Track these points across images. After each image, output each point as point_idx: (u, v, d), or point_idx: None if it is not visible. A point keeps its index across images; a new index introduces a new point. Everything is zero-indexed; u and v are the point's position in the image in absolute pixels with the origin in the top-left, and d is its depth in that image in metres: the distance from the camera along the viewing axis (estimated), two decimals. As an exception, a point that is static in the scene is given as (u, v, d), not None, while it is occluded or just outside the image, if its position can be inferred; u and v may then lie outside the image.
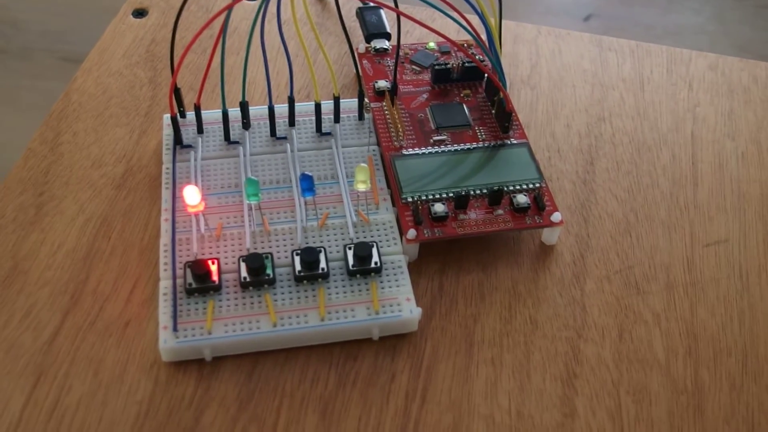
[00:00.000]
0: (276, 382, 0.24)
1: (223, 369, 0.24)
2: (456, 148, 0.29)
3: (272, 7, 0.26)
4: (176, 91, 0.29)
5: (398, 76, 0.32)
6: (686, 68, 0.36)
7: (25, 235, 0.28)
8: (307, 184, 0.25)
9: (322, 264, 0.25)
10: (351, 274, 0.25)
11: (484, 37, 0.29)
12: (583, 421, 0.24)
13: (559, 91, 0.35)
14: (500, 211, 0.27)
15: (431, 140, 0.30)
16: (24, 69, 0.82)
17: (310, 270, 0.25)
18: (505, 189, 0.28)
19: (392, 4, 0.28)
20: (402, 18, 0.27)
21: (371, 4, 0.34)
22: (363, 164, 0.26)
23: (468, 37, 0.31)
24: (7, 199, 0.29)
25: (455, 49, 0.34)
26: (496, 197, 0.27)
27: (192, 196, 0.25)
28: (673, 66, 0.36)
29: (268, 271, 0.25)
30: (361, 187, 0.26)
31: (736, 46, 0.85)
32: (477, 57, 0.33)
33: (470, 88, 0.32)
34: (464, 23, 0.27)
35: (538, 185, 0.28)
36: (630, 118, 0.34)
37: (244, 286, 0.25)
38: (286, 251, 0.26)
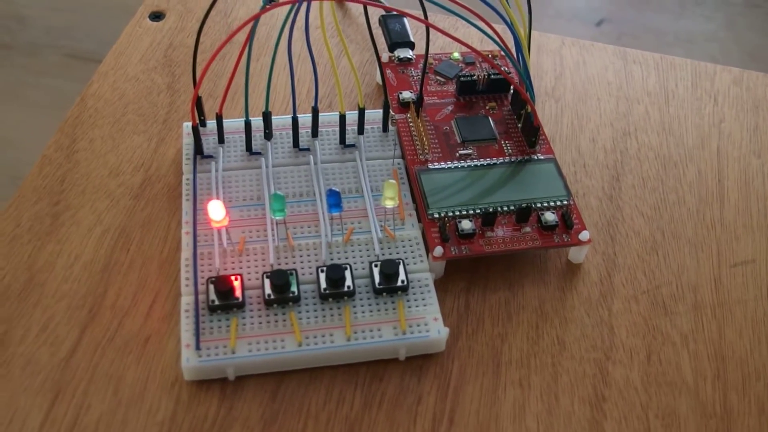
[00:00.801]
0: (301, 402, 0.23)
1: (247, 388, 0.24)
2: (482, 162, 0.29)
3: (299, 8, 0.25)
4: (197, 100, 0.29)
5: (423, 87, 0.31)
6: (711, 82, 0.36)
7: (41, 245, 0.27)
8: (335, 200, 0.25)
9: (348, 282, 0.24)
10: (377, 292, 0.25)
11: (510, 46, 0.28)
12: (614, 447, 0.23)
13: (583, 104, 0.34)
14: (528, 229, 0.27)
15: (457, 154, 0.29)
16: (29, 65, 0.81)
17: (335, 288, 0.24)
18: (533, 206, 0.27)
19: (418, 13, 0.27)
20: (426, 27, 0.27)
21: (394, 12, 0.34)
22: (392, 180, 0.25)
23: (492, 47, 0.30)
24: (23, 207, 0.28)
25: (480, 60, 0.33)
26: (524, 214, 0.27)
27: (217, 211, 0.24)
28: (697, 80, 0.36)
29: (293, 288, 0.24)
30: (389, 204, 0.25)
31: (746, 53, 0.85)
32: (503, 68, 0.32)
33: (496, 101, 0.31)
34: (492, 33, 0.27)
35: (565, 202, 0.28)
36: (656, 132, 0.33)
37: (268, 303, 0.24)
38: (310, 268, 0.25)
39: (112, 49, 0.35)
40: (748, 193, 0.31)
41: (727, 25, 0.88)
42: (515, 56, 0.28)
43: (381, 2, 0.35)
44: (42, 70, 0.80)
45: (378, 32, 0.35)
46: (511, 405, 0.24)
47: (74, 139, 0.31)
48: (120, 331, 0.25)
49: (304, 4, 0.24)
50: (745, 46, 0.86)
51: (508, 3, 0.27)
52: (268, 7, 0.24)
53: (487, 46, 0.30)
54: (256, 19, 0.25)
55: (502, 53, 0.34)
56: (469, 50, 0.30)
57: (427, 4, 0.26)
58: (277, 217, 0.25)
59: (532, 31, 0.34)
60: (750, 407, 0.24)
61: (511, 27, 0.27)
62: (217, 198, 0.27)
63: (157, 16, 0.37)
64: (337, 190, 0.25)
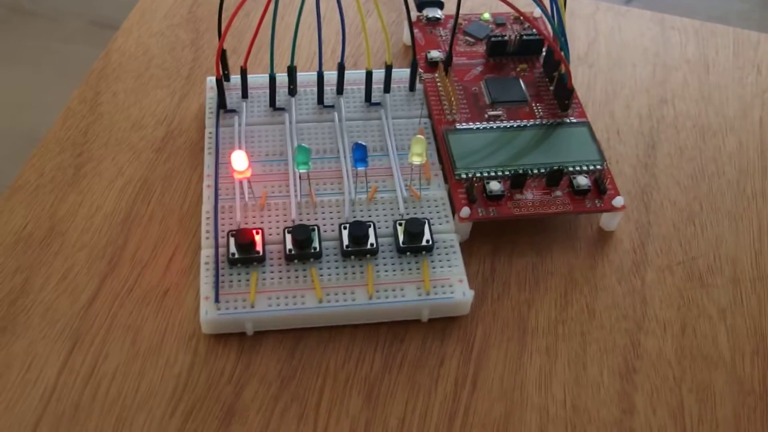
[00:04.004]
0: (319, 360, 0.23)
1: (265, 344, 0.23)
2: (512, 124, 0.28)
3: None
4: (222, 54, 0.28)
5: (453, 48, 0.30)
6: (754, 51, 0.34)
7: (63, 196, 0.27)
8: (361, 154, 0.24)
9: (371, 239, 0.24)
10: (401, 251, 0.24)
11: (546, 4, 0.27)
12: (643, 419, 0.22)
13: (619, 70, 0.33)
14: (558, 193, 0.26)
15: (486, 115, 0.28)
16: (53, 31, 0.81)
17: (358, 245, 0.24)
18: (565, 170, 0.26)
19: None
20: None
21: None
22: (420, 136, 0.24)
23: (525, 10, 0.29)
24: (46, 158, 0.28)
25: (510, 21, 0.32)
26: (555, 177, 0.26)
27: (240, 161, 0.24)
28: (740, 49, 0.34)
29: (315, 244, 0.24)
30: (417, 160, 0.24)
31: (784, 35, 0.82)
32: (533, 31, 0.31)
33: (527, 63, 0.30)
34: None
35: (599, 167, 0.26)
36: (694, 101, 0.32)
37: (289, 258, 0.24)
38: (333, 224, 0.25)
39: (137, 5, 0.34)
40: (791, 166, 0.30)
41: (762, 4, 0.85)
42: (550, 12, 0.27)
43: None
44: (65, 37, 0.80)
45: (407, -9, 0.34)
46: (537, 372, 0.23)
47: (98, 91, 0.31)
48: (139, 283, 0.24)
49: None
50: (784, 27, 0.83)
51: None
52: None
53: (521, 6, 0.29)
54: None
55: (535, 16, 0.32)
56: (500, 11, 0.29)
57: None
58: (301, 170, 0.24)
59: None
60: (788, 385, 0.23)
61: (548, -18, 0.26)
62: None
63: (182, -28, 0.36)
64: (364, 144, 0.24)
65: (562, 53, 0.27)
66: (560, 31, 0.27)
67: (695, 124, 0.31)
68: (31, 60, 0.78)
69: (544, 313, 0.24)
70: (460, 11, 0.32)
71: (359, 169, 0.25)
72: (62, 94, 0.31)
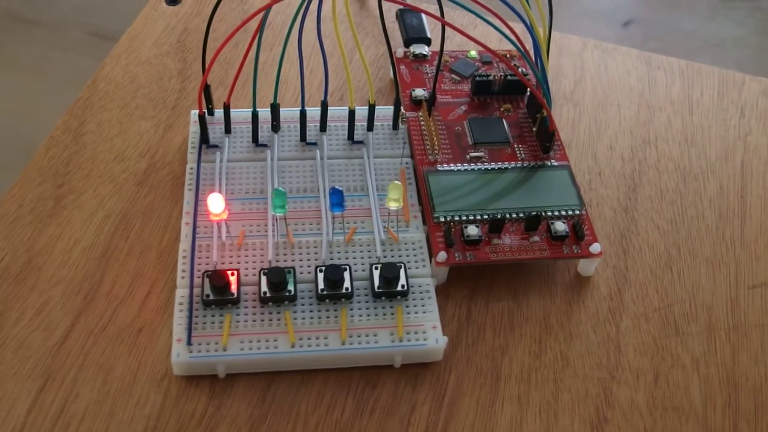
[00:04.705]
0: (291, 404, 0.23)
1: (237, 387, 0.23)
2: (493, 166, 0.28)
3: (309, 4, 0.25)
4: (205, 88, 0.28)
5: (437, 86, 0.30)
6: (738, 93, 0.34)
7: (42, 228, 0.27)
8: (337, 199, 0.24)
9: (347, 283, 0.24)
10: (376, 296, 0.24)
11: (529, 47, 0.27)
12: (612, 472, 0.22)
13: (603, 110, 0.33)
14: (536, 238, 0.26)
15: (468, 156, 0.28)
16: (54, 41, 0.82)
17: (333, 289, 0.24)
18: (543, 214, 0.26)
19: (435, 11, 0.26)
20: (441, 25, 0.26)
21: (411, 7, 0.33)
22: (397, 182, 0.24)
23: (511, 47, 0.29)
24: (27, 188, 0.28)
25: (497, 60, 0.32)
26: (533, 223, 0.26)
27: (216, 204, 0.24)
28: (724, 89, 0.34)
29: (290, 287, 0.24)
30: (393, 205, 0.24)
31: (780, 61, 0.82)
32: (520, 70, 0.31)
33: (511, 103, 0.30)
34: (508, 33, 0.26)
35: (578, 212, 0.27)
36: (677, 143, 0.32)
37: (263, 301, 0.24)
38: (309, 266, 0.25)
39: (127, 32, 0.35)
40: (771, 212, 0.30)
41: (759, 30, 0.86)
42: (533, 58, 0.27)
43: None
44: (66, 46, 0.81)
45: (395, 26, 0.34)
46: (508, 421, 0.23)
47: (83, 121, 0.31)
48: (114, 320, 0.24)
49: (316, -5, 0.23)
50: (780, 54, 0.83)
51: (528, 3, 0.26)
52: (277, -4, 0.23)
53: (506, 45, 0.29)
54: (267, 9, 0.24)
55: (521, 54, 0.33)
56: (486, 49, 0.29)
57: (444, 1, 0.25)
58: (278, 213, 0.24)
59: (554, 33, 0.33)
60: (760, 438, 0.23)
61: (530, 28, 0.26)
62: (219, 190, 0.26)
63: (173, 0, 0.36)
64: (340, 189, 0.24)
65: (544, 98, 0.27)
66: (542, 76, 0.27)
67: (677, 167, 0.31)
68: (31, 68, 0.78)
69: (518, 360, 0.24)
70: (449, 48, 0.33)
71: (337, 213, 0.25)
72: (61, 103, 0.31)
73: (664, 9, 0.88)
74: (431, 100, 0.29)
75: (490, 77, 0.30)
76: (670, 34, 0.84)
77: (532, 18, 0.26)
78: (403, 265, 0.24)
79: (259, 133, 0.28)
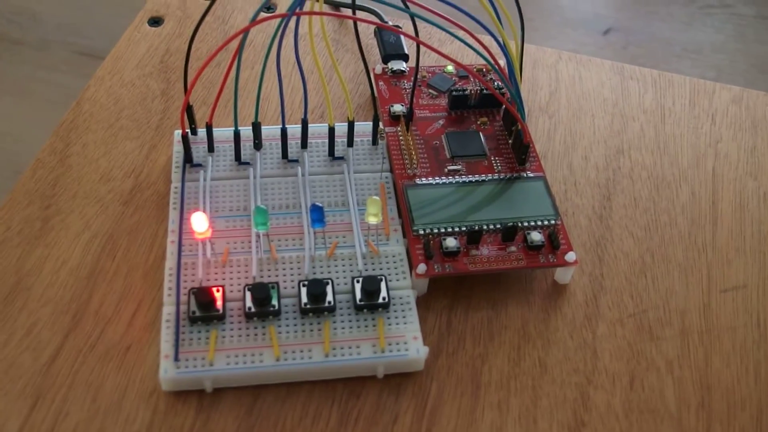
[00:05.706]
0: (276, 417, 0.23)
1: (224, 401, 0.24)
2: (470, 179, 0.29)
3: (288, 22, 0.25)
4: (188, 108, 0.29)
5: (414, 101, 0.31)
6: (709, 101, 0.35)
7: (30, 249, 0.27)
8: (317, 215, 0.25)
9: (329, 297, 0.24)
10: (358, 308, 0.25)
11: (502, 63, 0.28)
12: (590, 474, 0.23)
13: (578, 121, 0.34)
14: (513, 248, 0.27)
15: (445, 170, 0.29)
16: (39, 61, 0.82)
17: (316, 303, 0.24)
18: (519, 225, 0.27)
19: (410, 31, 0.27)
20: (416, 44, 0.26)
21: (389, 23, 0.34)
22: (375, 197, 0.25)
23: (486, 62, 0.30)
24: (14, 210, 0.28)
25: (473, 74, 0.33)
26: (509, 234, 0.27)
27: (200, 223, 0.24)
28: (696, 98, 0.35)
29: (274, 302, 0.24)
30: (373, 220, 0.25)
31: (754, 65, 0.84)
32: (495, 83, 0.32)
33: (488, 116, 0.31)
34: (480, 49, 0.27)
35: (553, 222, 0.27)
36: (650, 151, 0.33)
37: (248, 316, 0.24)
38: (292, 281, 0.25)
39: (111, 53, 0.35)
40: (742, 217, 0.31)
41: (737, 36, 0.88)
42: (506, 73, 0.28)
43: (378, 15, 0.35)
44: (51, 66, 0.81)
45: (373, 42, 0.35)
46: (488, 427, 0.24)
47: (68, 143, 0.31)
48: (102, 339, 0.25)
49: (294, 17, 0.24)
50: (754, 58, 0.85)
51: (499, 19, 0.27)
52: (254, 22, 0.24)
53: (482, 60, 0.30)
54: (246, 31, 0.25)
55: (494, 69, 0.34)
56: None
57: (418, 19, 0.26)
58: (260, 231, 0.25)
59: (528, 45, 0.34)
60: (733, 437, 0.24)
61: (501, 45, 0.27)
62: (203, 209, 0.27)
63: (156, 21, 0.37)
64: (320, 205, 0.25)
65: (518, 111, 0.28)
66: (515, 91, 0.28)
67: (650, 175, 0.32)
68: (16, 89, 0.79)
69: (497, 368, 0.25)
70: (426, 63, 0.33)
71: (318, 228, 0.25)
72: (47, 123, 0.31)
73: (643, 17, 0.89)
74: (409, 115, 0.30)
75: (467, 92, 0.31)
76: (649, 41, 0.86)
77: (503, 33, 0.27)
78: (383, 277, 0.25)
79: (242, 152, 0.29)
